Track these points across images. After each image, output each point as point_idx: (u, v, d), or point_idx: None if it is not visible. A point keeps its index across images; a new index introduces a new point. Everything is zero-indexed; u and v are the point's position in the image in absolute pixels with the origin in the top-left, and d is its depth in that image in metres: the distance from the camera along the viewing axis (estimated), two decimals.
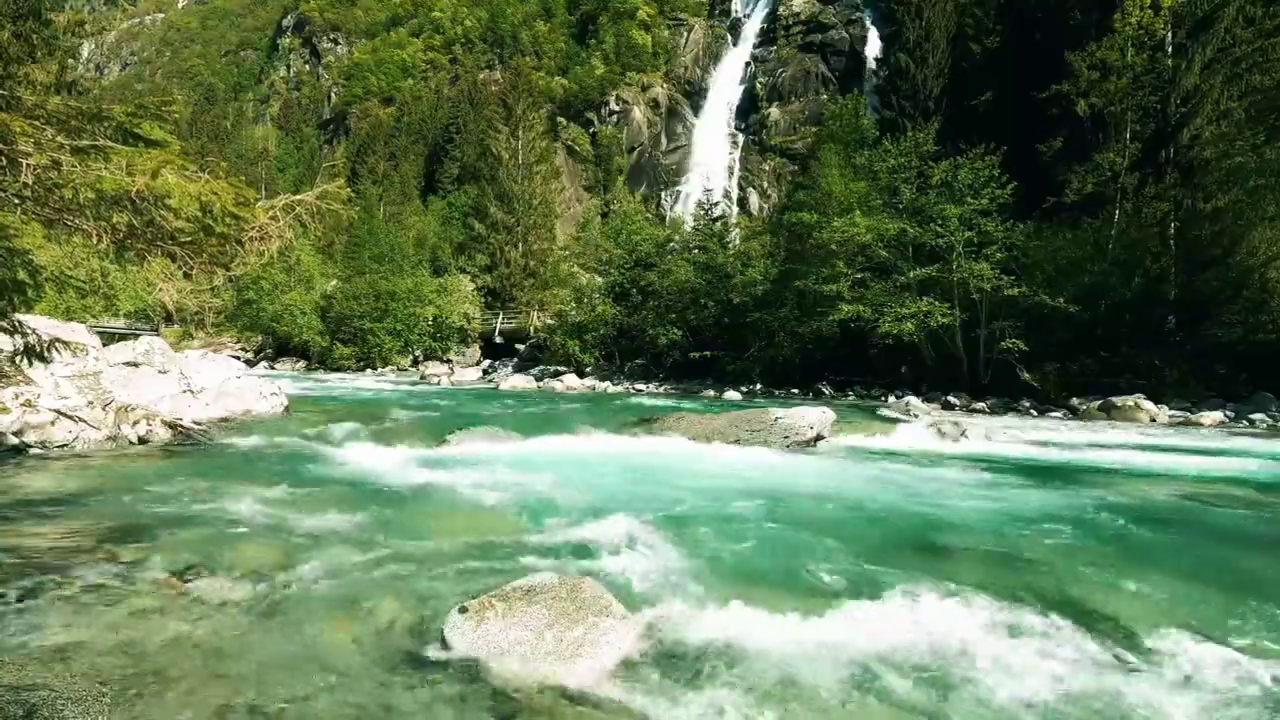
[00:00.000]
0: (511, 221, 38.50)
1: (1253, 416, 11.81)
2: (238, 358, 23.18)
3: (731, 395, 17.45)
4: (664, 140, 63.54)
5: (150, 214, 3.30)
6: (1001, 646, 2.64)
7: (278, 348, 35.98)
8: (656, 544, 3.87)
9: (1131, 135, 16.54)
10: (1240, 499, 5.60)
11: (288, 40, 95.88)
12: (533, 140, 40.11)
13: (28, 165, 3.11)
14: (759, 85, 61.44)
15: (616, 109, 64.23)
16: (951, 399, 14.96)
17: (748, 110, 62.28)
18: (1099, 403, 13.06)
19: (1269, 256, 14.31)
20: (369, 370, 31.27)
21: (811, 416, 8.49)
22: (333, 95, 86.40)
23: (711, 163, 59.97)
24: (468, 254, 39.80)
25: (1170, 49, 16.64)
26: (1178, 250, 15.51)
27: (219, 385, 9.68)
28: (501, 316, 34.79)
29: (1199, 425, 11.46)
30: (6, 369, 6.75)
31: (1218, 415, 12.02)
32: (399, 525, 4.26)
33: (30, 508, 4.49)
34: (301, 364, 33.84)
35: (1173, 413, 12.50)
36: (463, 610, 2.62)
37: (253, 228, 3.64)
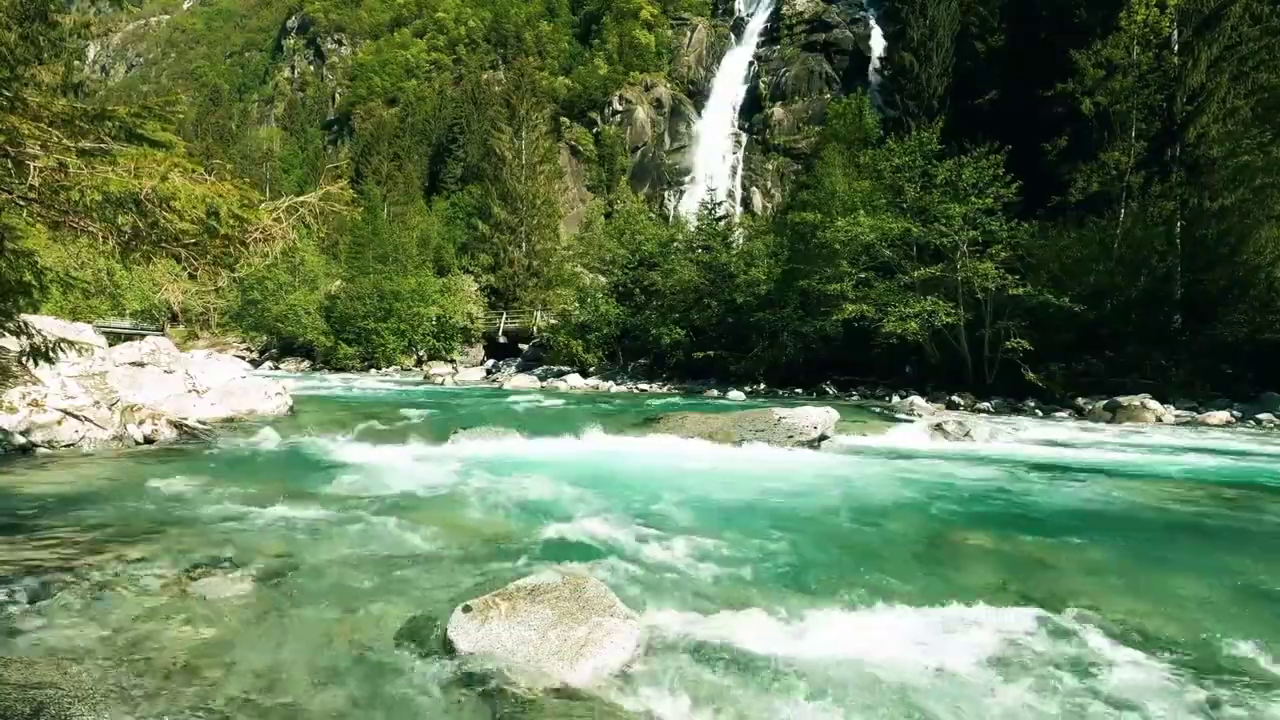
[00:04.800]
0: (515, 221, 38.55)
1: (1259, 416, 11.73)
2: (242, 358, 23.28)
3: (735, 395, 17.43)
4: (667, 140, 63.44)
5: (155, 216, 3.31)
6: (1004, 648, 2.63)
7: (282, 348, 36.11)
8: (660, 544, 3.87)
9: (1137, 134, 16.47)
10: (1246, 500, 5.57)
11: (292, 41, 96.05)
12: (536, 140, 40.15)
13: (35, 167, 3.12)
14: (762, 84, 61.27)
15: (620, 109, 64.18)
16: (956, 398, 14.92)
17: (751, 109, 62.11)
18: (1104, 402, 13.01)
19: (1276, 255, 14.19)
20: (373, 370, 31.36)
21: (815, 416, 8.47)
22: (337, 96, 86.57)
23: (715, 162, 59.85)
24: (471, 254, 39.89)
25: (1176, 47, 16.57)
26: (1184, 249, 15.42)
27: (224, 385, 9.72)
28: (505, 316, 34.84)
29: (1205, 425, 11.40)
30: (14, 369, 6.79)
31: (1224, 415, 11.96)
32: (402, 524, 4.28)
33: (37, 507, 4.52)
34: (305, 364, 33.95)
35: (1179, 412, 12.43)
36: (466, 609, 2.62)
37: (257, 229, 3.64)
